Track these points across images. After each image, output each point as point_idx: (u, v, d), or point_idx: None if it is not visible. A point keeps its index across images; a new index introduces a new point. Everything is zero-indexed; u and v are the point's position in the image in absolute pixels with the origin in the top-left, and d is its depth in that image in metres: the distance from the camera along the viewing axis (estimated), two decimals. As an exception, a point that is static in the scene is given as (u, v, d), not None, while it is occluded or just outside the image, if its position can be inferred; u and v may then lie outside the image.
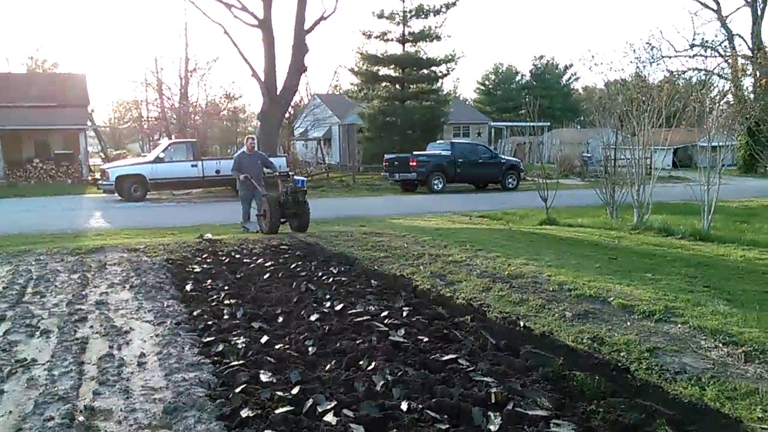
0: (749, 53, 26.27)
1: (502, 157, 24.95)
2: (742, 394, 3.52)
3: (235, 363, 3.84)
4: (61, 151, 27.25)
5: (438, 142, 25.57)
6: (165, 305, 5.46)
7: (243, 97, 72.82)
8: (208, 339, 4.42)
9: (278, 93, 23.19)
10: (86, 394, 3.52)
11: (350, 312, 5.02)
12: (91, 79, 59.43)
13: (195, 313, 5.13)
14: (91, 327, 4.84)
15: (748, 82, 18.67)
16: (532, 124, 16.94)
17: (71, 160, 26.92)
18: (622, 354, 4.20)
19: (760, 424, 3.16)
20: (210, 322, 4.83)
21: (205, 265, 7.19)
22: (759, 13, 30.31)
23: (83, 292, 5.97)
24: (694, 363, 4.03)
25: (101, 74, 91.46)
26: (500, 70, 66.73)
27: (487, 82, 66.59)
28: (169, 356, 4.12)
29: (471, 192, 22.08)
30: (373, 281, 6.35)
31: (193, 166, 18.73)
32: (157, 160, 18.72)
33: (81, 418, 3.17)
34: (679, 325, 4.76)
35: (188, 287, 6.05)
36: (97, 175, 21.75)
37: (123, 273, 6.89)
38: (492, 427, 2.97)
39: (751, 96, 13.73)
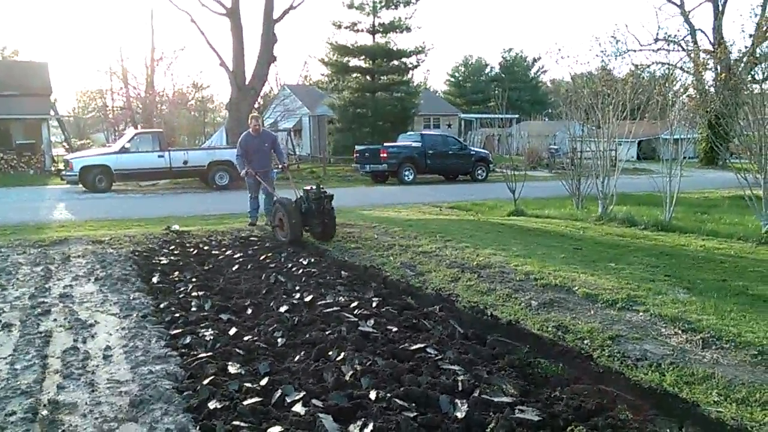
0: (711, 48, 26.99)
1: (472, 148, 25.15)
2: (699, 379, 3.65)
3: (203, 355, 3.82)
4: (23, 141, 26.50)
5: (408, 133, 25.64)
6: (131, 298, 5.38)
7: (211, 86, 71.78)
8: (176, 331, 4.38)
9: (247, 83, 22.91)
10: (50, 387, 3.46)
11: (320, 303, 5.03)
12: (53, 68, 57.83)
13: (162, 306, 5.07)
14: (55, 320, 4.75)
15: (709, 76, 19.24)
16: (501, 116, 17.07)
17: (33, 150, 26.20)
18: (585, 342, 4.31)
19: (716, 407, 3.28)
20: (177, 315, 4.78)
21: (172, 257, 7.10)
22: (720, 8, 31.05)
23: (46, 285, 5.85)
24: (654, 350, 4.16)
25: (64, 62, 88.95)
26: (470, 63, 67.13)
27: (456, 74, 66.92)
28: (136, 349, 4.07)
29: (441, 183, 22.22)
30: (343, 272, 6.37)
31: (159, 156, 18.41)
32: (123, 150, 18.33)
33: (44, 412, 3.12)
34: (641, 314, 4.90)
35: (155, 279, 5.97)
36: (61, 166, 21.25)
37: (88, 265, 6.76)
38: (459, 414, 3.02)
39: (712, 90, 14.12)
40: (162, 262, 6.81)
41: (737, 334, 4.32)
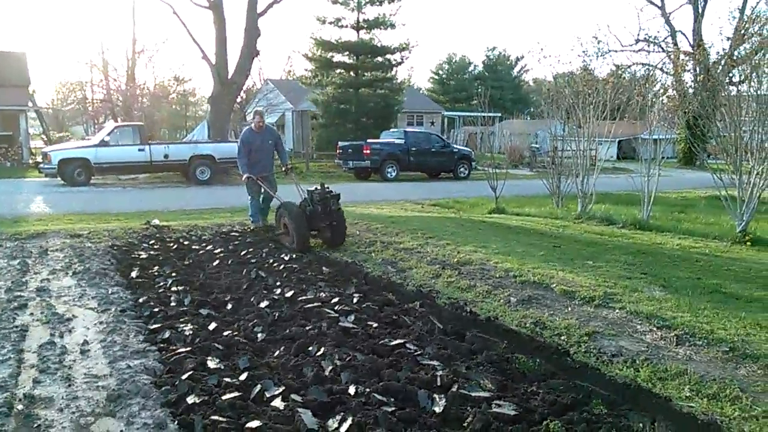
0: (690, 49, 27.39)
1: (455, 146, 25.25)
2: (672, 375, 3.72)
3: (182, 350, 3.81)
4: (0, 133, 25.99)
5: (392, 130, 25.67)
6: (109, 292, 5.34)
7: (193, 80, 71.08)
8: (155, 326, 4.36)
9: (230, 77, 22.75)
10: (26, 382, 3.43)
11: (301, 299, 5.04)
12: (32, 58, 56.77)
13: (141, 300, 5.04)
14: (32, 314, 4.70)
15: (688, 78, 19.52)
16: (483, 114, 17.17)
17: (11, 142, 25.70)
18: (562, 338, 4.37)
19: (688, 402, 3.35)
20: (156, 309, 4.76)
21: (151, 252, 7.05)
22: (700, 11, 31.52)
23: (23, 279, 5.77)
24: (629, 346, 4.24)
25: (43, 53, 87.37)
26: (453, 60, 67.30)
27: (440, 72, 67.06)
28: (114, 344, 4.05)
29: (424, 180, 22.28)
30: (324, 268, 6.38)
31: (140, 150, 18.21)
32: (102, 143, 18.08)
33: (20, 407, 3.09)
34: (617, 311, 4.98)
35: (134, 274, 5.93)
36: (39, 159, 20.88)
37: (65, 259, 6.68)
38: (437, 409, 3.06)
39: (691, 91, 14.33)
40: (141, 257, 6.76)
41: (710, 331, 4.42)
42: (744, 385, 3.59)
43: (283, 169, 9.07)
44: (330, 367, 3.54)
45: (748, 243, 8.88)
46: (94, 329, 4.37)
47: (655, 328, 4.56)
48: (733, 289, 5.82)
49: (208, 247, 7.30)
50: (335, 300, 5.00)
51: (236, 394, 3.16)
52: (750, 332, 4.46)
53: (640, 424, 3.02)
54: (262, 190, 8.81)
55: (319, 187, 7.77)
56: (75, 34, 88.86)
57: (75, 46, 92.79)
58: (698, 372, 3.76)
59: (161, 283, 5.58)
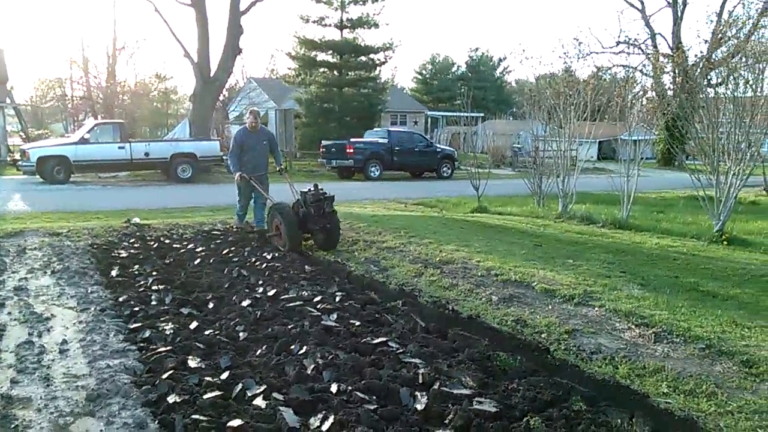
0: (669, 52, 27.77)
1: (438, 146, 25.33)
2: (650, 372, 3.79)
3: (163, 349, 3.78)
4: (-24, 130, 25.53)
5: (375, 129, 25.71)
6: (89, 291, 5.28)
7: (175, 77, 70.46)
8: (135, 325, 4.33)
9: (212, 75, 22.59)
10: (3, 382, 3.38)
11: (283, 297, 5.03)
12: (9, 55, 55.67)
13: (121, 299, 4.99)
14: (9, 313, 4.63)
15: (667, 80, 19.81)
16: (466, 114, 17.25)
17: (-13, 139, 25.28)
18: (543, 335, 4.42)
19: (665, 398, 3.41)
20: (137, 308, 4.71)
21: (132, 251, 6.98)
22: (679, 14, 31.95)
23: (0, 278, 5.68)
24: (608, 343, 4.30)
25: (22, 49, 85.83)
26: (437, 61, 67.43)
27: (424, 72, 67.13)
28: (93, 343, 4.01)
29: (407, 180, 22.32)
30: (307, 267, 6.37)
31: (120, 148, 18.00)
32: (82, 141, 17.84)
33: (-3, 407, 3.05)
34: (596, 308, 5.05)
35: (114, 273, 5.86)
36: (17, 156, 20.56)
37: (44, 258, 6.59)
38: (418, 406, 3.08)
39: (670, 93, 14.55)
40: (122, 256, 6.69)
41: (687, 329, 4.49)
42: (720, 381, 3.66)
43: (278, 169, 8.77)
44: (312, 366, 3.54)
45: (725, 242, 9.04)
46: (74, 328, 4.32)
47: (633, 326, 4.63)
48: (709, 288, 5.93)
49: (190, 246, 7.25)
50: (318, 298, 4.99)
51: (217, 393, 3.15)
52: (726, 330, 4.55)
53: (619, 420, 3.06)
54: (253, 193, 8.56)
55: (312, 189, 7.54)
56: (54, 31, 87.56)
57: (54, 42, 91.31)
58: (675, 369, 3.83)
59: (142, 282, 5.53)
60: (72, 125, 40.04)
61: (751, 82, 9.74)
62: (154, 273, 5.86)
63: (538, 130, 13.74)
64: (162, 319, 4.45)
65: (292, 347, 3.89)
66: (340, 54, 30.82)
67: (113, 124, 19.51)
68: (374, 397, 3.18)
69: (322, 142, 23.10)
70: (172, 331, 4.14)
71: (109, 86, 36.64)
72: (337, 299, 5.03)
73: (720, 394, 3.47)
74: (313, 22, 30.52)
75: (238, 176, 8.28)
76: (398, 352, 3.85)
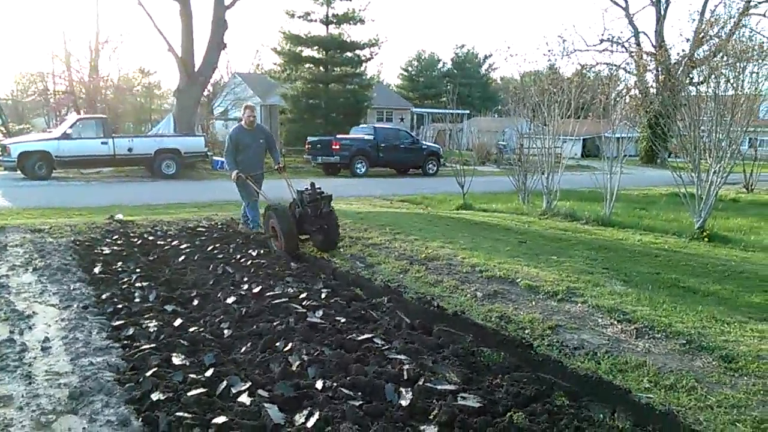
0: (652, 50, 28.05)
1: (424, 143, 25.39)
2: (632, 367, 3.84)
3: (147, 346, 3.76)
4: (-45, 125, 25.13)
5: (361, 126, 25.66)
6: (71, 288, 5.22)
7: (158, 72, 69.77)
8: (118, 322, 4.30)
9: (196, 70, 22.40)
10: (-17, 381, 3.35)
11: (268, 294, 5.01)
12: (-12, 47, 54.65)
13: (104, 296, 4.94)
14: (-11, 311, 4.57)
15: (650, 78, 20.03)
16: (452, 111, 17.30)
17: (-34, 134, 24.88)
18: (526, 331, 4.46)
19: (646, 393, 3.46)
20: (120, 306, 4.68)
21: (115, 247, 6.91)
22: (662, 12, 32.28)
23: (-20, 276, 5.60)
24: (591, 339, 4.35)
25: (1, 43, 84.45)
26: (423, 57, 67.44)
27: (410, 69, 67.14)
28: (76, 340, 3.97)
29: (393, 177, 22.34)
30: (292, 264, 6.35)
31: (103, 143, 17.82)
32: (64, 136, 17.61)
33: (-23, 406, 3.02)
34: (579, 305, 5.10)
35: (97, 269, 5.80)
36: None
37: (25, 255, 6.51)
38: (403, 402, 3.09)
39: (653, 91, 14.72)
40: (105, 252, 6.62)
41: (668, 324, 4.56)
42: (700, 376, 3.72)
43: (275, 168, 8.30)
44: (297, 362, 3.54)
45: (706, 239, 9.18)
46: (56, 326, 4.28)
47: (615, 322, 4.69)
48: (690, 284, 6.02)
49: (174, 243, 7.19)
50: (303, 295, 4.99)
51: (202, 390, 3.14)
52: (706, 325, 4.62)
53: (601, 415, 3.10)
54: (252, 190, 8.10)
55: (309, 188, 7.26)
56: (36, 24, 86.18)
57: (36, 36, 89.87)
58: (656, 364, 3.88)
59: (125, 279, 5.48)
60: (54, 120, 39.51)
61: (732, 81, 9.88)
62: (138, 270, 5.81)
63: (523, 128, 13.82)
64: (146, 316, 4.42)
65: (278, 344, 3.89)
66: (326, 50, 30.72)
67: (96, 120, 19.30)
68: (359, 394, 3.19)
69: (308, 138, 23.03)
70: (155, 329, 4.12)
71: (91, 81, 36.19)
72: (323, 296, 5.03)
73: (700, 388, 3.52)
74: (299, 17, 30.39)
75: (234, 175, 7.89)
76: (383, 348, 3.87)
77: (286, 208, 7.28)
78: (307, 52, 31.16)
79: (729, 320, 4.75)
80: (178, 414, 2.89)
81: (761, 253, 8.47)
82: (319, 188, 7.29)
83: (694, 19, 27.19)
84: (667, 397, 3.41)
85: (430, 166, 23.06)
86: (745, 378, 3.70)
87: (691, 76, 12.90)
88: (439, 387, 3.24)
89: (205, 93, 29.00)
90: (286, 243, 6.86)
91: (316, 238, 7.25)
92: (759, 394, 3.46)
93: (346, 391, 3.17)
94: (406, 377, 3.39)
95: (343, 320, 4.41)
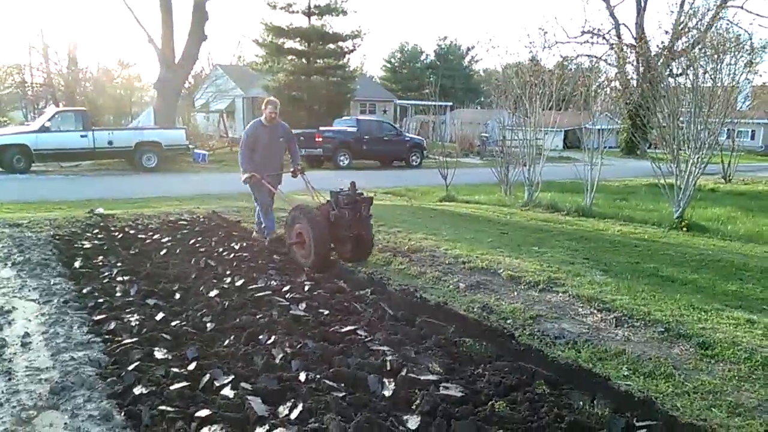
0: (633, 42, 28.29)
1: (407, 135, 25.39)
2: (611, 355, 3.91)
3: (128, 341, 3.73)
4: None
5: (344, 118, 25.58)
6: (51, 283, 5.17)
7: (139, 64, 68.81)
8: (99, 317, 4.25)
9: (177, 62, 22.16)
10: (-38, 377, 3.30)
11: (251, 287, 5.00)
12: (-39, 38, 53.39)
13: (85, 291, 4.89)
14: (-33, 307, 4.51)
15: (630, 69, 20.21)
16: (435, 103, 17.32)
17: (-60, 127, 24.37)
18: (508, 321, 4.52)
19: (625, 380, 3.53)
20: (101, 300, 4.63)
21: (96, 241, 6.84)
22: (642, 4, 32.54)
23: (-43, 271, 5.52)
24: (571, 328, 4.41)
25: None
26: (406, 49, 67.33)
27: (393, 60, 66.99)
28: (57, 335, 3.93)
29: (376, 169, 22.33)
30: (275, 256, 6.34)
31: (82, 136, 17.57)
32: (43, 129, 17.34)
33: (-44, 403, 2.98)
34: (560, 294, 5.17)
35: (77, 264, 5.75)
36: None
37: (4, 249, 6.41)
38: (386, 393, 3.11)
39: (633, 83, 14.87)
40: (85, 247, 6.55)
41: (647, 313, 4.64)
42: (677, 363, 3.80)
43: (291, 171, 7.29)
44: (281, 355, 3.55)
45: (684, 228, 9.33)
46: (36, 321, 4.23)
47: (595, 311, 4.76)
48: (669, 273, 6.13)
49: (155, 237, 7.14)
50: (286, 288, 4.99)
51: (185, 383, 3.13)
52: (684, 313, 4.71)
53: (581, 403, 3.15)
54: (262, 194, 7.18)
55: (344, 189, 6.32)
56: (12, 15, 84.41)
57: (12, 27, 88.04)
58: (635, 352, 3.95)
59: (106, 274, 5.43)
60: (32, 113, 38.86)
61: (710, 73, 10.02)
62: (119, 264, 5.76)
63: (505, 120, 13.90)
64: (127, 310, 4.39)
65: (261, 337, 3.89)
66: (308, 41, 30.51)
67: (75, 112, 19.00)
68: (342, 385, 3.21)
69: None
70: (137, 323, 4.09)
71: (70, 73, 35.65)
72: (306, 288, 5.03)
73: (677, 375, 3.60)
74: (281, 8, 30.13)
75: (247, 177, 6.89)
76: (366, 340, 3.89)
77: (317, 210, 6.36)
78: (289, 43, 30.94)
79: (706, 308, 4.85)
80: (160, 408, 2.88)
81: (738, 242, 8.64)
82: (358, 190, 6.35)
83: (672, 11, 27.44)
84: (645, 384, 3.47)
85: (414, 158, 23.09)
86: (721, 364, 3.78)
87: (670, 67, 13.05)
88: (421, 377, 3.27)
89: (186, 85, 28.74)
90: (316, 251, 5.90)
91: (345, 248, 6.30)
92: (734, 380, 3.55)
93: (330, 383, 3.19)
94: (389, 368, 3.41)
95: (326, 312, 4.42)
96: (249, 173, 6.89)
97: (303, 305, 4.56)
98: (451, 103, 40.41)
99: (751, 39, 11.84)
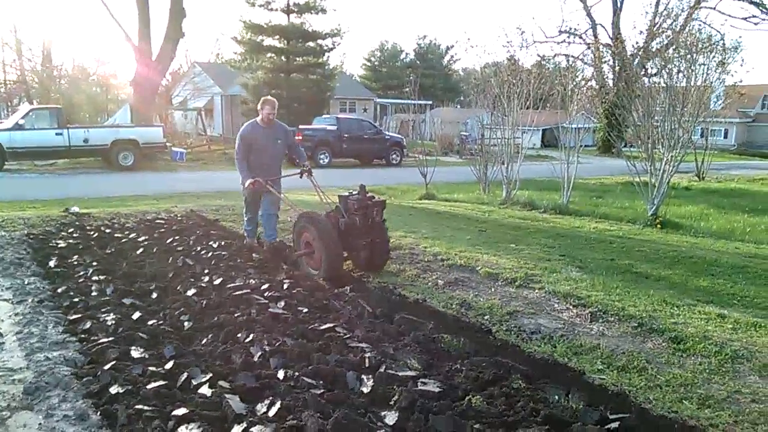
0: (610, 42, 28.65)
1: (387, 133, 25.42)
2: (586, 350, 3.98)
3: (105, 340, 3.70)
4: None
5: (324, 116, 25.51)
6: (26, 282, 5.09)
7: (115, 61, 67.84)
8: (75, 316, 4.21)
9: (154, 59, 21.91)
10: (-67, 378, 3.25)
11: (230, 286, 4.97)
12: (-70, 33, 52.02)
13: (60, 290, 4.84)
14: (-62, 308, 4.43)
15: (606, 69, 20.49)
16: (415, 102, 17.37)
17: None
18: (486, 317, 4.57)
19: (599, 374, 3.59)
20: (76, 299, 4.58)
21: (71, 241, 6.75)
22: (618, 4, 32.98)
23: (-73, 271, 5.41)
24: (547, 323, 4.47)
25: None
26: (386, 48, 67.31)
27: (372, 59, 66.93)
28: (31, 335, 3.88)
29: (356, 167, 22.32)
30: (254, 255, 6.31)
31: (57, 134, 17.26)
32: (17, 127, 16.98)
33: (-73, 404, 2.93)
34: (537, 291, 5.24)
35: (52, 263, 5.67)
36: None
37: (-25, 249, 6.31)
38: (364, 389, 3.14)
39: (610, 83, 15.07)
40: (60, 246, 6.46)
41: (621, 308, 4.73)
42: (650, 357, 3.88)
43: (300, 171, 6.67)
44: (259, 353, 3.54)
45: (659, 225, 9.50)
46: (9, 321, 4.17)
47: (571, 307, 4.83)
48: (643, 269, 6.24)
49: (132, 235, 7.06)
50: (265, 286, 4.97)
51: (162, 382, 3.12)
52: (657, 308, 4.80)
53: (556, 397, 3.20)
54: (264, 200, 6.68)
55: (354, 192, 5.90)
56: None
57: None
58: (610, 346, 4.03)
59: (81, 273, 5.37)
60: (5, 111, 38.08)
61: (684, 72, 10.20)
62: (95, 263, 5.70)
63: (484, 119, 13.99)
64: (103, 309, 4.34)
65: (239, 335, 3.88)
66: (287, 39, 30.36)
67: (50, 110, 18.68)
68: (321, 382, 3.22)
69: (270, 128, 22.77)
70: (114, 322, 4.06)
71: (45, 70, 35.04)
72: (285, 286, 5.02)
73: (650, 369, 3.68)
74: (259, 6, 29.94)
75: (248, 183, 6.28)
76: (345, 337, 3.90)
77: (326, 217, 5.88)
78: (268, 41, 30.76)
79: (678, 303, 4.95)
80: (137, 407, 2.86)
81: (710, 239, 8.82)
82: (370, 193, 5.99)
83: (647, 12, 27.86)
84: (619, 378, 3.54)
85: (394, 156, 23.13)
86: (693, 358, 3.87)
87: (645, 67, 13.26)
88: (400, 373, 3.30)
89: (164, 83, 28.42)
90: (328, 263, 5.48)
91: (360, 256, 5.85)
92: (705, 373, 3.63)
93: (308, 380, 3.19)
94: (367, 365, 3.43)
95: (305, 310, 4.42)
96: (251, 179, 6.26)
97: (282, 303, 4.56)
98: (430, 102, 40.55)
99: (723, 39, 12.12)
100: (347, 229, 5.74)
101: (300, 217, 5.98)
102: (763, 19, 26.28)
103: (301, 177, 6.61)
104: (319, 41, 31.09)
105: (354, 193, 5.87)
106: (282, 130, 6.89)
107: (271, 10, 30.13)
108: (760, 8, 26.28)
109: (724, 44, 11.48)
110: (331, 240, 5.50)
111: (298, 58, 30.71)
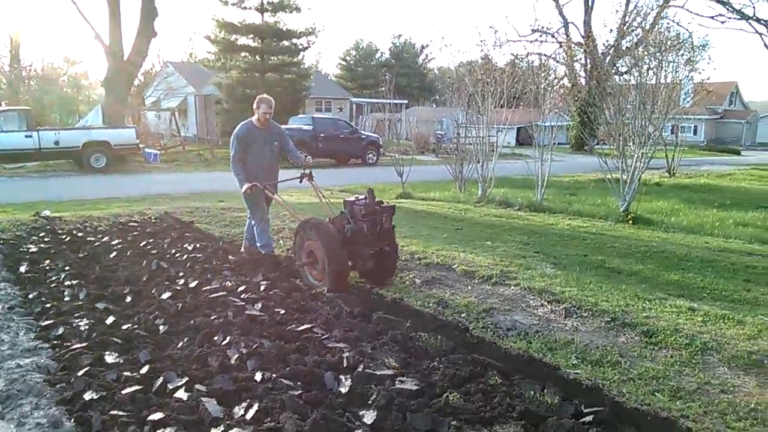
0: (581, 40, 29.04)
1: (363, 132, 25.43)
2: (561, 345, 4.03)
3: (78, 346, 3.64)
4: None
5: (300, 116, 25.41)
6: (-6, 289, 4.99)
7: (85, 61, 66.67)
8: (47, 322, 4.14)
9: (125, 59, 21.59)
10: None
11: (205, 288, 4.93)
12: None
13: (31, 296, 4.75)
14: None
15: (579, 67, 20.79)
16: (391, 101, 17.40)
17: None
18: (462, 315, 4.60)
19: (574, 369, 3.65)
20: (48, 305, 4.50)
21: (42, 245, 6.63)
22: (590, 3, 33.41)
23: None
24: (523, 320, 4.53)
25: None
26: (361, 47, 67.28)
27: (348, 58, 66.86)
28: (1, 342, 3.81)
29: (333, 167, 22.28)
30: (230, 257, 6.26)
31: (27, 136, 16.94)
32: (-17, 129, 16.66)
33: None
34: (512, 287, 5.30)
35: (23, 269, 5.56)
36: None
37: (-59, 256, 6.16)
38: (342, 389, 3.14)
39: (582, 81, 15.29)
40: (31, 250, 6.34)
41: (595, 303, 4.80)
42: (623, 351, 3.95)
43: (300, 175, 6.23)
44: (236, 356, 3.52)
45: (630, 221, 9.67)
46: (-22, 329, 4.08)
47: (546, 303, 4.90)
48: (615, 264, 6.35)
49: (105, 239, 6.96)
50: (242, 288, 4.94)
51: (137, 387, 3.08)
52: (629, 303, 4.89)
53: (531, 392, 3.24)
54: (257, 205, 6.29)
55: (362, 197, 5.52)
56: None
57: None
58: (584, 341, 4.09)
59: (53, 278, 5.28)
60: (-29, 112, 37.21)
61: (653, 70, 10.39)
62: (67, 268, 5.60)
63: (460, 118, 14.08)
64: (76, 315, 4.27)
65: (215, 338, 3.85)
66: (262, 38, 30.16)
67: (18, 111, 18.33)
68: (299, 383, 3.21)
69: (245, 129, 22.60)
70: (87, 327, 3.99)
71: (12, 71, 34.27)
72: (262, 288, 5.00)
73: (623, 362, 3.74)
74: (233, 4, 29.69)
75: (247, 187, 5.91)
76: (323, 337, 3.90)
77: (329, 224, 5.46)
78: (242, 40, 30.52)
79: (650, 297, 5.04)
80: (112, 412, 2.83)
81: (681, 233, 9.01)
82: (378, 200, 5.60)
83: (618, 11, 28.29)
84: (593, 372, 3.60)
85: (370, 155, 23.15)
86: (664, 351, 3.95)
87: (616, 65, 13.47)
88: (377, 372, 3.31)
89: (136, 83, 28.01)
90: (332, 271, 5.09)
91: (367, 265, 5.40)
92: (676, 365, 3.71)
93: (286, 382, 3.19)
94: (345, 365, 3.44)
95: (282, 312, 4.40)
96: (248, 183, 5.93)
97: (259, 305, 4.53)
98: (406, 101, 40.63)
99: (691, 38, 12.38)
100: (354, 236, 5.34)
101: (301, 225, 5.56)
102: (730, 18, 26.87)
103: (300, 181, 6.31)
104: (294, 40, 30.96)
105: (361, 197, 5.52)
106: (278, 132, 6.53)
107: (245, 8, 29.92)
108: (727, 7, 26.87)
109: (692, 42, 11.74)
110: (336, 249, 5.12)
111: (272, 58, 30.53)
